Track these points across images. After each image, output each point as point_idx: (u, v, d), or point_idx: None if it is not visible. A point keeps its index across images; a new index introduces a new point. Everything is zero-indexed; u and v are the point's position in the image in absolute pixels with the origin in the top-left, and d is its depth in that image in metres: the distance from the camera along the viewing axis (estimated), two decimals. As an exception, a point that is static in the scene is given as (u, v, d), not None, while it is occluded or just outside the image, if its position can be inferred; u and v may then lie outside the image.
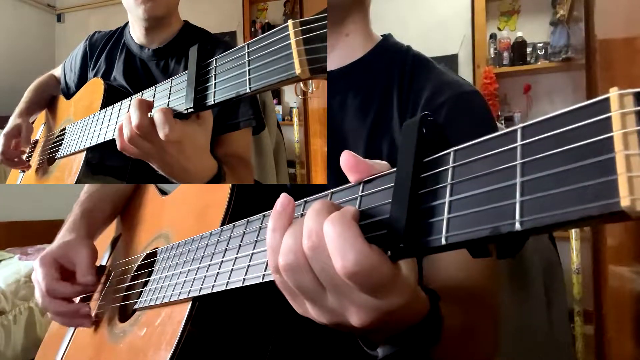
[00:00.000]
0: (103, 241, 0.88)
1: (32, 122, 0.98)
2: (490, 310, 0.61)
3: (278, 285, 0.39)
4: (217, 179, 0.65)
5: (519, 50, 2.97)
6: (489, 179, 0.27)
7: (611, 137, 0.22)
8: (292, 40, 0.45)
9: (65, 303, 0.72)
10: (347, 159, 0.37)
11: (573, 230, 1.81)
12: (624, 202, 0.21)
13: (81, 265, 0.72)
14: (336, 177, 0.73)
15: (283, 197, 0.38)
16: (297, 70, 0.44)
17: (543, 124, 0.25)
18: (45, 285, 0.70)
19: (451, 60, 3.02)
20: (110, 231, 0.91)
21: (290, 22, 0.45)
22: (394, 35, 0.80)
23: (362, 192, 0.35)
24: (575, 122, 0.24)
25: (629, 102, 0.22)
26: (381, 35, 0.79)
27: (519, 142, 0.26)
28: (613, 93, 0.23)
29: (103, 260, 0.87)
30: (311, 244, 0.33)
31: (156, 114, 0.55)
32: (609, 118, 0.22)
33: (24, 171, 0.97)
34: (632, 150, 0.21)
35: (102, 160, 0.78)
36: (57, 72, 1.03)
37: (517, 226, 0.25)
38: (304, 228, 0.34)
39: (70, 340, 0.80)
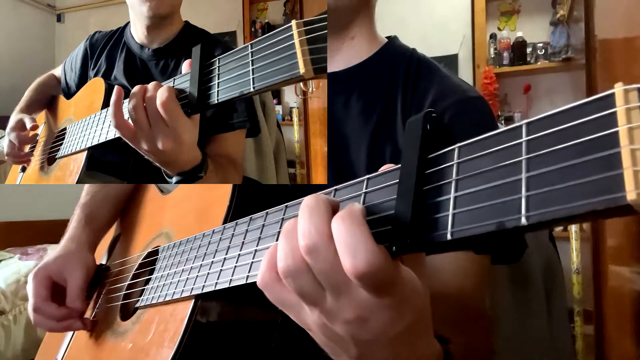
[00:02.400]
0: (104, 240, 0.88)
1: (33, 121, 0.98)
2: (484, 318, 0.60)
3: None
4: (197, 169, 0.64)
5: (519, 50, 2.97)
6: (494, 175, 0.27)
7: (616, 132, 0.22)
8: (296, 40, 0.45)
9: (54, 322, 0.71)
10: None
11: (573, 230, 1.82)
12: (630, 196, 0.21)
13: (71, 288, 0.72)
14: (336, 177, 0.73)
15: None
16: (302, 70, 0.44)
17: (548, 119, 0.25)
18: (33, 304, 0.71)
19: (451, 60, 3.03)
20: (111, 230, 0.91)
21: (293, 22, 0.45)
22: (393, 36, 0.80)
23: (366, 188, 0.35)
24: (580, 117, 0.24)
25: (634, 97, 0.22)
26: (386, 37, 0.79)
27: (524, 138, 0.26)
28: (618, 89, 0.23)
29: (104, 259, 0.87)
30: (307, 244, 0.32)
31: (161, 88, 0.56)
32: (614, 113, 0.23)
33: (24, 170, 0.97)
34: (637, 145, 0.21)
35: (103, 160, 0.78)
36: (58, 71, 1.02)
37: (523, 221, 0.25)
38: (299, 228, 0.33)
39: (71, 340, 0.80)
